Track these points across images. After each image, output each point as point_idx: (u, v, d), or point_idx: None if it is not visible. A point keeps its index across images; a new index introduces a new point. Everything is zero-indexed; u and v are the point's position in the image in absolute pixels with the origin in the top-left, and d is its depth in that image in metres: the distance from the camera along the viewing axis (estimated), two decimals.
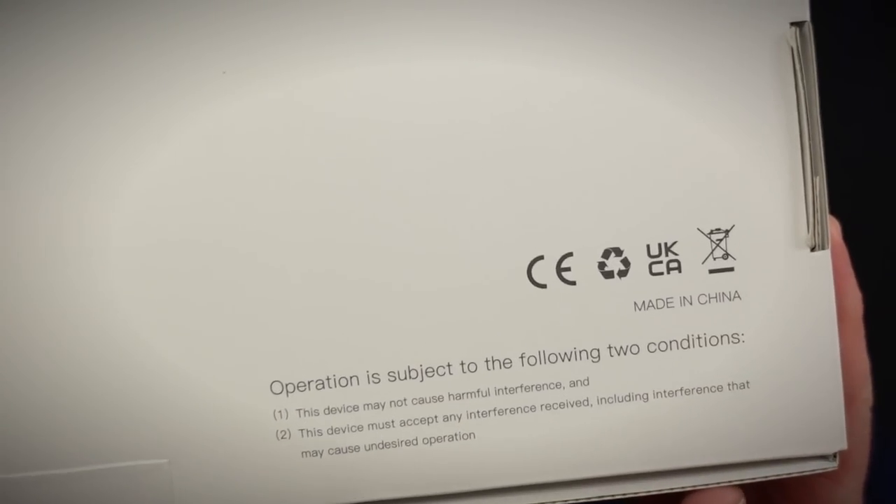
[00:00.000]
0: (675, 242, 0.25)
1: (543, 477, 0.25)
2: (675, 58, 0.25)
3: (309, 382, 0.25)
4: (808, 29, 0.24)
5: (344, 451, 0.25)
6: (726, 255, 0.25)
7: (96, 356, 0.24)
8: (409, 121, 0.24)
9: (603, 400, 0.25)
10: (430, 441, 0.25)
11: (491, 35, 0.24)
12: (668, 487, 0.25)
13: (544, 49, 0.24)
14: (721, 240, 0.25)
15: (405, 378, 0.25)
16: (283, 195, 0.24)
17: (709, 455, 0.25)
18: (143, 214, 0.24)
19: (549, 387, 0.25)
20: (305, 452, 0.25)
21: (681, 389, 0.25)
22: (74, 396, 0.24)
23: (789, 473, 0.25)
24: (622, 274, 0.25)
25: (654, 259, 0.25)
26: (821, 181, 0.25)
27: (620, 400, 0.25)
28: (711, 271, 0.25)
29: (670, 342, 0.25)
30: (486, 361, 0.25)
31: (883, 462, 0.37)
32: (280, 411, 0.25)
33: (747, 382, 0.25)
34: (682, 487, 0.25)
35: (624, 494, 0.25)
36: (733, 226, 0.25)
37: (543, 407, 0.25)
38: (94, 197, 0.24)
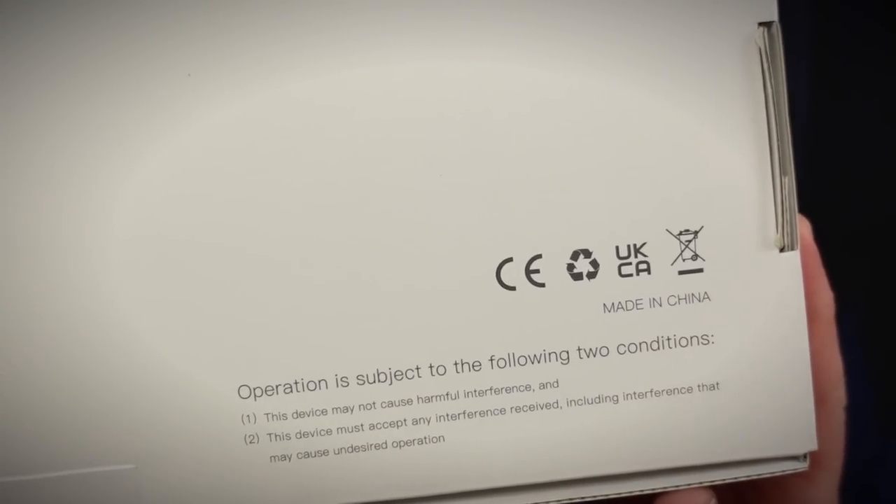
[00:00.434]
0: (644, 244, 0.25)
1: (513, 480, 0.25)
2: (643, 59, 0.24)
3: (277, 386, 0.25)
4: (777, 29, 0.24)
5: (313, 455, 0.25)
6: (696, 257, 0.25)
7: (60, 363, 0.24)
8: (374, 121, 0.24)
9: (573, 402, 0.25)
10: (399, 444, 0.25)
11: (456, 34, 0.24)
12: (639, 489, 0.25)
13: (509, 51, 0.24)
14: (690, 241, 0.25)
15: (374, 381, 0.25)
16: (259, 195, 0.24)
17: (679, 457, 0.25)
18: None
19: (518, 389, 0.25)
20: (274, 457, 0.25)
21: (651, 391, 0.25)
22: (38, 402, 0.24)
23: (760, 474, 0.25)
24: (591, 276, 0.25)
25: (623, 261, 0.25)
26: (789, 181, 0.25)
27: (590, 402, 0.25)
28: (681, 272, 0.25)
29: (640, 344, 0.25)
30: (456, 364, 0.25)
31: (884, 462, 0.37)
32: (248, 415, 0.25)
33: (717, 384, 0.25)
34: (653, 489, 0.25)
35: (595, 497, 0.25)
36: (702, 227, 0.25)
37: (513, 409, 0.25)
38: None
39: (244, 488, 0.25)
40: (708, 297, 0.25)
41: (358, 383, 0.25)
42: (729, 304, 0.25)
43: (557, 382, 0.25)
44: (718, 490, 0.30)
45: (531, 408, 0.25)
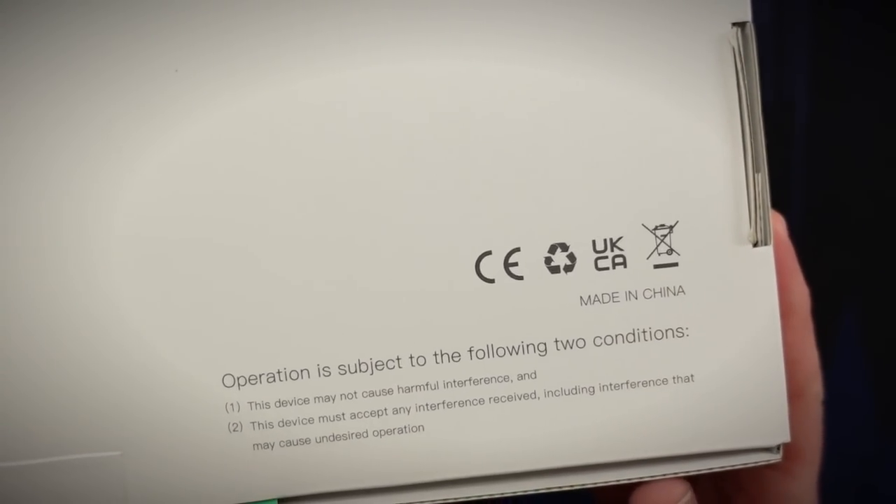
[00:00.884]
0: (620, 238, 0.25)
1: (491, 469, 0.26)
2: (620, 57, 0.25)
3: (260, 375, 0.25)
4: (750, 29, 0.25)
5: (295, 443, 0.25)
6: (671, 251, 0.25)
7: (46, 350, 0.25)
8: (354, 120, 0.25)
9: (550, 393, 0.25)
10: (379, 433, 0.25)
11: (434, 34, 0.25)
12: (615, 479, 0.26)
13: (487, 49, 0.25)
14: (665, 235, 0.25)
15: (355, 371, 0.25)
16: (241, 190, 0.25)
17: (655, 447, 0.26)
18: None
19: (497, 380, 0.25)
20: (257, 445, 0.25)
21: (626, 382, 0.25)
22: (24, 389, 0.25)
23: (734, 465, 0.26)
24: (568, 269, 0.25)
25: (599, 254, 0.25)
26: (762, 178, 0.25)
27: (567, 393, 0.25)
28: (656, 266, 0.25)
29: (616, 336, 0.25)
30: (435, 355, 0.25)
31: (884, 461, 0.38)
32: (232, 404, 0.25)
33: (692, 376, 0.25)
34: (629, 479, 0.26)
35: (572, 486, 0.26)
36: (677, 222, 0.25)
37: (491, 400, 0.25)
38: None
39: (227, 475, 0.25)
40: (683, 291, 0.25)
41: (339, 373, 0.25)
42: (703, 298, 0.25)
43: (535, 374, 0.25)
44: (699, 484, 0.31)
45: (509, 398, 0.25)
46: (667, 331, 0.25)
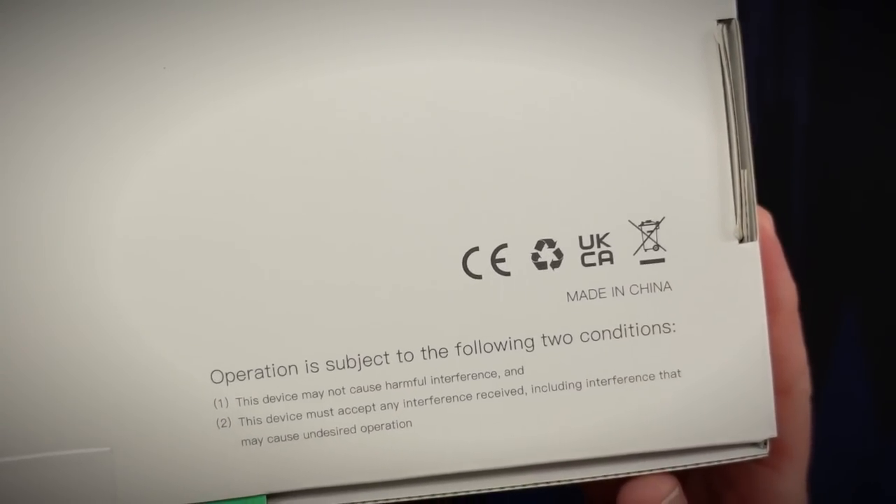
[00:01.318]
0: (606, 234, 0.25)
1: (479, 465, 0.26)
2: (607, 54, 0.25)
3: (248, 371, 0.25)
4: (735, 26, 0.25)
5: (283, 439, 0.25)
6: (657, 247, 0.25)
7: (35, 346, 0.25)
8: (342, 120, 0.25)
9: (537, 388, 0.26)
10: (367, 429, 0.26)
11: (421, 33, 0.25)
12: (602, 475, 0.26)
13: (475, 48, 0.25)
14: (652, 231, 0.25)
15: (343, 367, 0.25)
16: (231, 189, 0.25)
17: (642, 442, 0.26)
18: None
19: (484, 376, 0.26)
20: (245, 440, 0.25)
21: (613, 378, 0.26)
22: (13, 385, 0.25)
23: (721, 461, 0.26)
24: (555, 265, 0.25)
25: (586, 250, 0.25)
26: (748, 174, 0.25)
27: (554, 388, 0.26)
28: (643, 262, 0.25)
29: (603, 332, 0.26)
30: (423, 351, 0.25)
31: (884, 461, 0.38)
32: (220, 400, 0.25)
33: (678, 371, 0.26)
34: (616, 474, 0.26)
35: (559, 481, 0.26)
36: (664, 218, 0.25)
37: (479, 395, 0.26)
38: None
39: (216, 471, 0.25)
40: (669, 287, 0.26)
41: (328, 369, 0.25)
42: (690, 294, 0.25)
43: (522, 369, 0.26)
44: (689, 483, 0.31)
45: (497, 394, 0.26)
46: (653, 326, 0.26)
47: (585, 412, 0.26)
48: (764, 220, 0.27)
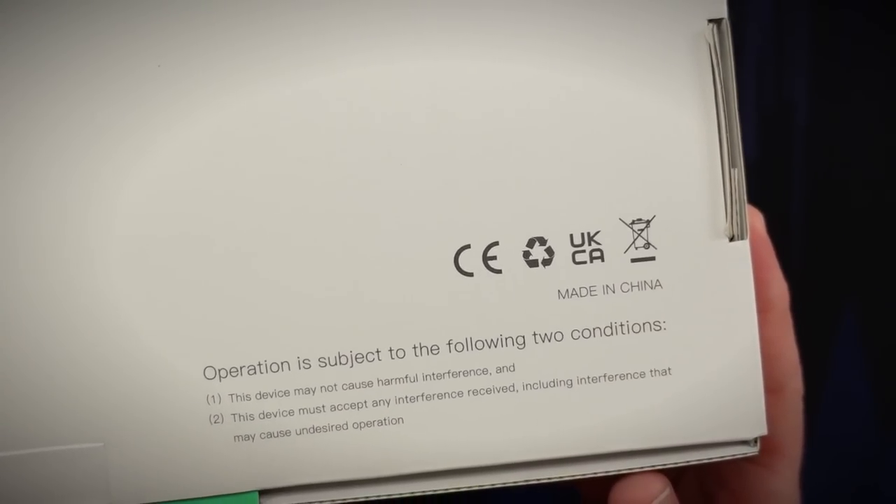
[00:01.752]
0: (597, 232, 0.26)
1: (471, 461, 0.26)
2: (598, 53, 0.25)
3: (241, 368, 0.25)
4: (726, 26, 0.25)
5: (275, 435, 0.26)
6: (648, 245, 0.26)
7: (30, 342, 0.25)
8: (338, 118, 0.25)
9: (528, 386, 0.26)
10: (359, 426, 0.26)
11: (414, 33, 0.25)
12: (593, 472, 0.26)
13: (466, 48, 0.25)
14: (643, 230, 0.26)
15: (335, 364, 0.26)
16: (224, 188, 0.25)
17: (633, 440, 0.26)
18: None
19: (475, 373, 0.26)
20: (238, 437, 0.26)
21: (604, 375, 0.26)
22: (8, 381, 0.25)
23: (711, 458, 0.26)
24: (546, 263, 0.26)
25: (577, 248, 0.26)
26: (738, 173, 0.25)
27: (545, 386, 0.26)
28: (633, 260, 0.26)
29: (594, 329, 0.26)
30: (415, 348, 0.26)
31: (884, 461, 0.38)
32: (213, 396, 0.25)
33: (669, 369, 0.26)
34: (607, 472, 0.26)
35: (550, 479, 0.26)
36: (654, 216, 0.26)
37: (470, 392, 0.26)
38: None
39: (209, 467, 0.26)
40: (660, 285, 0.26)
41: (319, 365, 0.26)
42: (680, 292, 0.26)
43: (514, 367, 0.26)
44: (682, 483, 0.31)
45: (488, 391, 0.26)
46: (644, 324, 0.26)
47: (576, 409, 0.26)
48: (755, 219, 0.27)
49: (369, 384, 0.26)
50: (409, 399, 0.26)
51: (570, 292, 0.26)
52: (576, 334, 0.26)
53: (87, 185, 0.25)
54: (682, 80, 0.25)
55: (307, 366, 0.26)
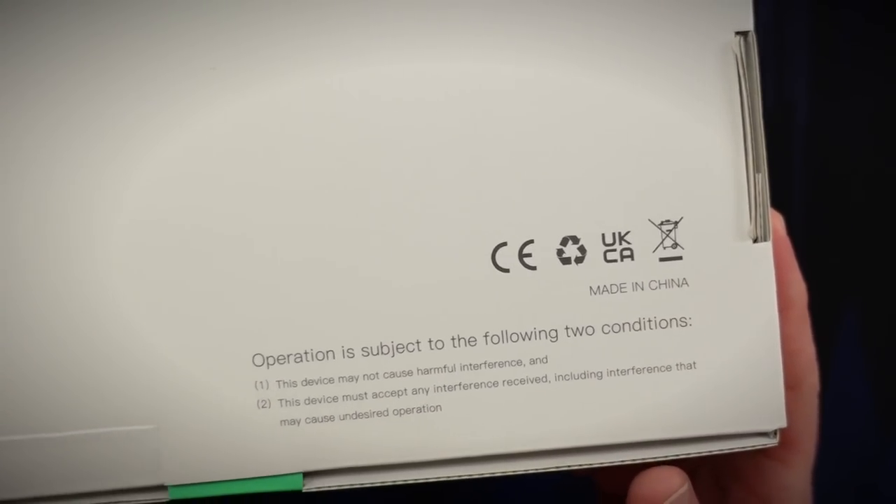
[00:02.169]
0: (628, 232, 0.27)
1: (503, 448, 0.27)
2: (632, 61, 0.27)
3: (288, 356, 0.27)
4: (752, 38, 0.27)
5: (320, 420, 0.27)
6: (675, 245, 0.27)
7: (90, 327, 0.26)
8: (381, 117, 0.26)
9: (560, 377, 0.27)
10: (399, 412, 0.27)
11: (451, 35, 0.26)
12: (619, 460, 0.27)
13: (505, 52, 0.26)
14: (671, 230, 0.27)
15: (378, 353, 0.27)
16: (270, 182, 0.26)
17: (657, 430, 0.27)
18: (143, 201, 0.26)
19: (510, 364, 0.27)
20: (284, 421, 0.27)
21: (632, 368, 0.27)
22: (68, 364, 0.26)
23: (732, 449, 0.27)
24: (579, 260, 0.27)
25: (608, 247, 0.27)
26: (762, 178, 0.27)
27: (576, 377, 0.27)
28: (661, 259, 0.27)
29: (623, 324, 0.27)
30: (453, 339, 0.27)
31: (884, 461, 0.38)
32: (261, 382, 0.27)
33: (694, 363, 0.27)
34: (633, 460, 0.27)
35: (580, 465, 0.27)
36: (682, 218, 0.27)
37: (505, 382, 0.27)
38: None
39: (256, 449, 0.27)
40: (686, 283, 0.27)
41: (363, 355, 0.27)
42: (706, 290, 0.27)
43: (546, 358, 0.27)
44: (697, 477, 0.32)
45: (522, 381, 0.27)
46: (671, 320, 0.27)
47: (605, 400, 0.27)
48: (776, 221, 0.28)
49: (409, 373, 0.27)
50: (447, 388, 0.27)
51: (601, 289, 0.27)
52: (606, 329, 0.27)
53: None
54: (710, 89, 0.27)
55: (351, 355, 0.27)
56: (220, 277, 0.26)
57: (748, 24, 0.27)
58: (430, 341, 0.27)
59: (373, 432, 0.27)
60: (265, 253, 0.26)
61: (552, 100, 0.26)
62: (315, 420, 0.27)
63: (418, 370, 0.27)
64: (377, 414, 0.27)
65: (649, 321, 0.27)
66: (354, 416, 0.27)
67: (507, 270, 0.27)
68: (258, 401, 0.27)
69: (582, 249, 0.27)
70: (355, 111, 0.26)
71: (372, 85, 0.26)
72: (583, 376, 0.27)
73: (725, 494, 0.31)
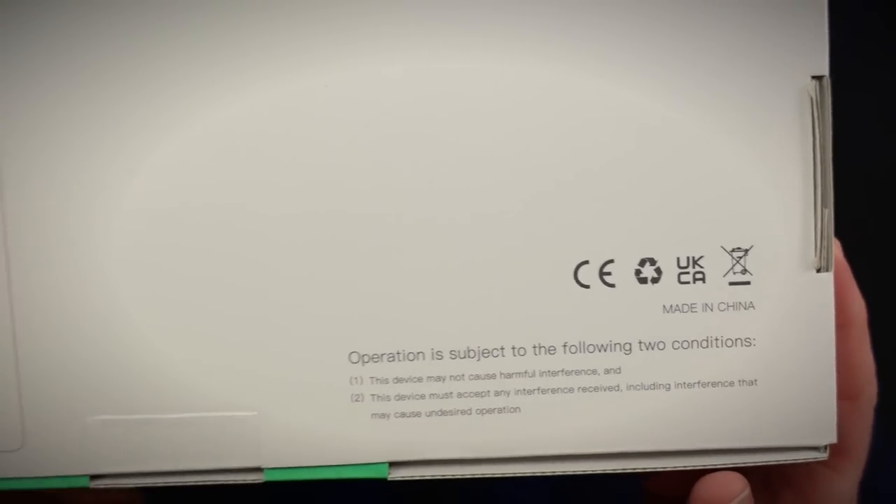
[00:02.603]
0: (701, 257, 0.29)
1: (576, 449, 0.29)
2: (712, 98, 0.28)
3: (382, 355, 0.29)
4: (827, 82, 0.28)
5: (408, 415, 0.29)
6: (744, 271, 0.29)
7: (212, 320, 0.29)
8: (478, 134, 0.28)
9: (631, 387, 0.29)
10: (482, 412, 0.29)
11: (543, 43, 0.28)
12: (682, 465, 0.29)
13: (595, 61, 0.28)
14: (741, 257, 0.29)
15: (464, 357, 0.29)
16: (355, 187, 0.28)
17: (717, 439, 0.29)
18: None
19: (586, 372, 0.29)
20: (375, 414, 0.29)
21: (698, 382, 0.29)
22: (185, 351, 0.29)
23: (786, 460, 0.29)
24: (655, 280, 0.29)
25: (682, 270, 0.29)
26: (829, 213, 0.29)
27: (646, 388, 0.29)
28: (731, 283, 0.29)
29: (692, 342, 0.29)
30: (534, 347, 0.29)
31: (884, 461, 0.40)
32: (356, 378, 0.29)
33: (755, 380, 0.29)
34: (694, 466, 0.29)
35: (645, 468, 0.30)
36: (752, 246, 0.29)
37: (580, 389, 0.29)
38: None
39: (347, 439, 0.29)
40: (753, 307, 0.29)
41: (450, 357, 0.29)
42: (770, 314, 0.29)
43: (620, 369, 0.29)
44: (748, 479, 0.33)
45: (596, 389, 0.29)
46: (736, 340, 0.29)
47: (672, 410, 0.29)
48: (836, 249, 0.30)
49: (493, 376, 0.29)
50: (526, 391, 0.29)
51: (673, 307, 0.29)
52: (676, 345, 0.29)
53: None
54: (785, 128, 0.29)
55: (439, 357, 0.29)
56: (320, 279, 0.28)
57: (824, 68, 0.28)
58: (513, 348, 0.29)
59: (456, 428, 0.29)
60: (365, 257, 0.29)
61: (645, 136, 0.28)
62: (403, 415, 0.29)
63: (501, 374, 0.29)
64: (461, 412, 0.29)
65: (716, 340, 0.29)
66: (440, 413, 0.29)
67: (587, 286, 0.29)
68: (352, 395, 0.29)
69: (658, 271, 0.29)
70: (436, 122, 0.28)
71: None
72: (652, 387, 0.29)
73: (776, 499, 0.33)
